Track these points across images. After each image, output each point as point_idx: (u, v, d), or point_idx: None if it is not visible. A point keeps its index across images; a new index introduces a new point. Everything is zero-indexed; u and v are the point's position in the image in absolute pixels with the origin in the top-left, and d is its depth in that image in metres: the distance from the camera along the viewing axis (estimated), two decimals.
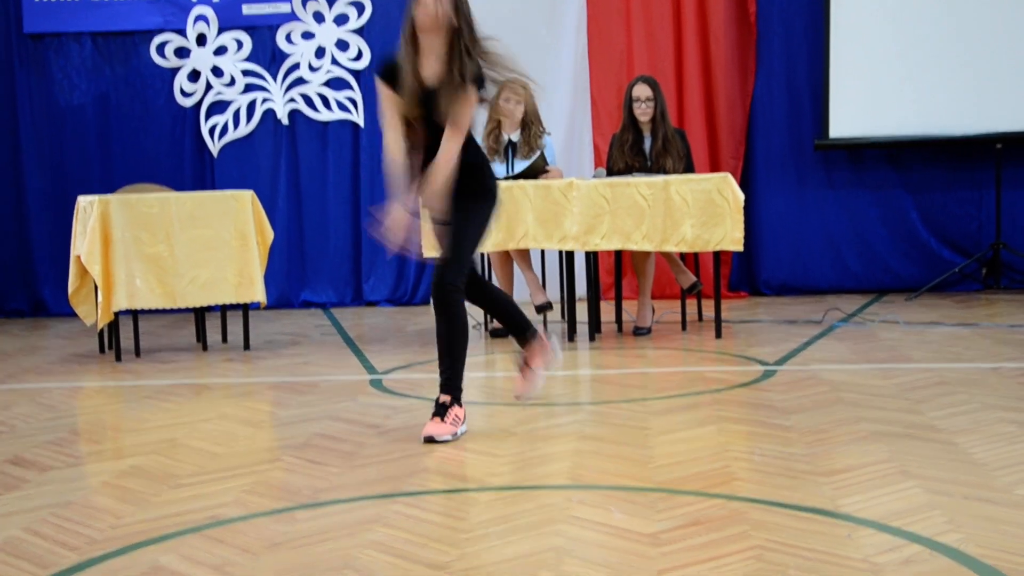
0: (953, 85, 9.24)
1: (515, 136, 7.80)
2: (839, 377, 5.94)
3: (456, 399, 4.90)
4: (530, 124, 7.78)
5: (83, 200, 7.38)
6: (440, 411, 4.86)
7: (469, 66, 4.80)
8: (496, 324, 7.83)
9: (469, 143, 4.99)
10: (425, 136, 4.94)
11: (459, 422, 4.86)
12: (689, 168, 7.79)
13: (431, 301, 4.96)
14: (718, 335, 7.41)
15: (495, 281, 7.99)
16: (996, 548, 3.27)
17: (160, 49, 10.05)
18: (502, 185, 7.19)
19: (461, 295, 4.89)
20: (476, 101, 4.91)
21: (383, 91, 4.95)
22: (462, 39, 4.79)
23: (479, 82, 4.83)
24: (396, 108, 4.94)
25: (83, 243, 7.20)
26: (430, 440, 4.78)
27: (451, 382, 4.90)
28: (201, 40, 10.00)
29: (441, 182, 4.85)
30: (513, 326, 5.23)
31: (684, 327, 7.86)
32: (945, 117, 9.23)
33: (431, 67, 4.83)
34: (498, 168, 7.72)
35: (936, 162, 9.56)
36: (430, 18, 4.75)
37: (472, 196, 4.98)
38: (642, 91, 7.75)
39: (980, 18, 9.21)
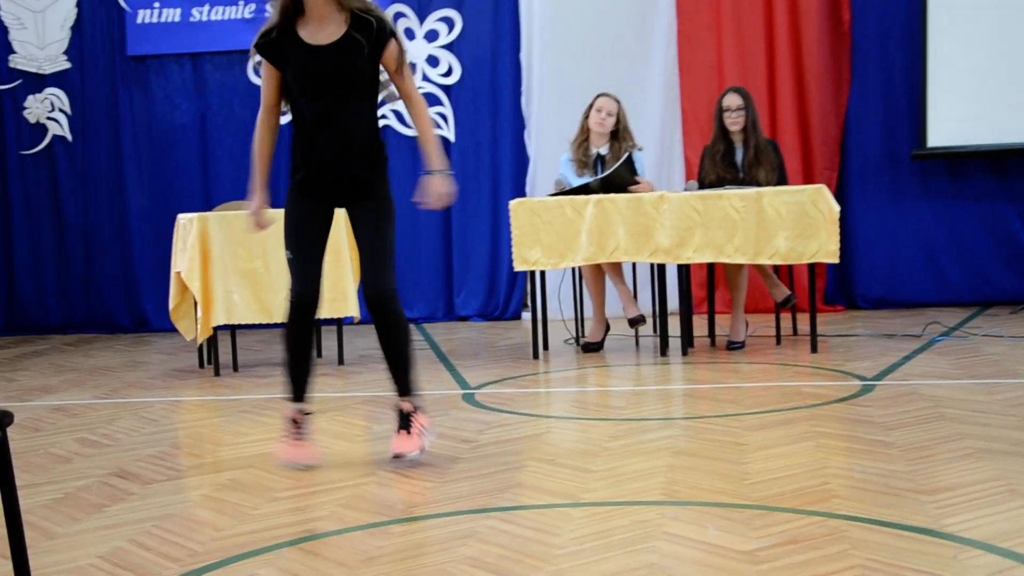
0: None
1: (604, 150, 7.75)
2: (941, 392, 5.81)
3: (418, 405, 4.75)
4: (621, 138, 7.73)
5: (183, 218, 7.48)
6: (405, 423, 4.70)
7: (377, 13, 4.63)
8: (588, 339, 7.79)
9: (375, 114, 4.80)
10: (314, 112, 4.70)
11: (425, 432, 4.71)
12: (782, 180, 7.69)
13: (371, 309, 4.69)
14: (814, 349, 7.30)
15: (586, 294, 7.96)
16: None
17: (257, 68, 10.08)
18: (592, 198, 7.22)
19: (397, 297, 4.72)
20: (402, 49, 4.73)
21: (267, 67, 4.74)
22: None
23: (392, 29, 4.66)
24: (278, 86, 4.78)
25: (183, 260, 7.33)
26: (399, 457, 4.65)
27: (410, 387, 4.74)
28: None
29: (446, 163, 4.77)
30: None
31: (779, 341, 7.77)
32: None
33: (324, 29, 4.62)
34: (580, 179, 7.68)
35: None
36: None
37: (383, 182, 4.82)
38: (733, 101, 7.68)
39: None
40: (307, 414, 4.82)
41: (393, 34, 4.70)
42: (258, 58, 4.80)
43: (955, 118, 9.22)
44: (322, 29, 4.63)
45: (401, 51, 4.76)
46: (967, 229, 9.44)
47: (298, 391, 4.79)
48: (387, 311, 4.68)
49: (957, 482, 4.10)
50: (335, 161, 4.78)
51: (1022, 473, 4.17)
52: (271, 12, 4.73)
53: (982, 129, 9.21)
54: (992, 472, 4.20)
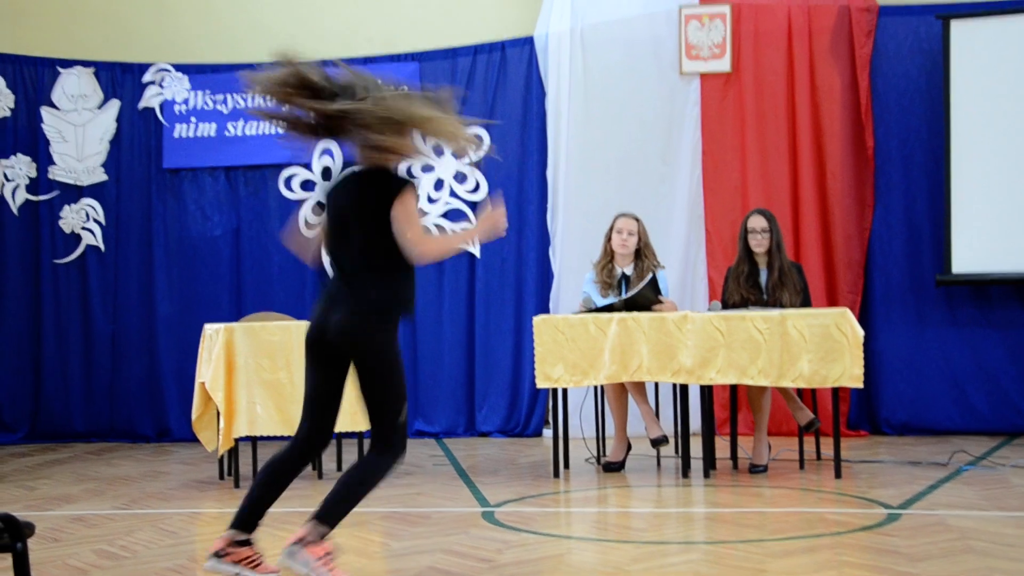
0: None
1: (629, 269, 7.73)
2: (968, 524, 5.70)
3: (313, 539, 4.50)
4: (644, 257, 7.70)
5: (209, 328, 7.50)
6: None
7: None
8: (609, 458, 7.70)
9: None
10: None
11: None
12: (806, 302, 7.65)
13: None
14: (837, 475, 7.19)
15: (608, 413, 7.88)
16: None
17: (287, 182, 10.24)
18: (615, 316, 7.17)
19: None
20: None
21: None
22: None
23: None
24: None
25: (208, 370, 7.33)
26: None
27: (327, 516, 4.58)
28: (326, 174, 10.16)
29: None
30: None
31: (802, 466, 7.67)
32: None
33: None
34: (605, 300, 7.65)
35: None
36: None
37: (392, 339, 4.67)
38: (758, 223, 7.67)
39: None
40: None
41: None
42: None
43: (980, 245, 9.20)
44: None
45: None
46: (993, 357, 9.35)
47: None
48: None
49: None
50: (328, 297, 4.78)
51: None
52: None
53: (1008, 256, 9.17)
54: None
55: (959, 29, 9.24)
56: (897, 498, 6.43)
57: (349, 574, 4.72)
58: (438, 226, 10.03)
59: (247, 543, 4.58)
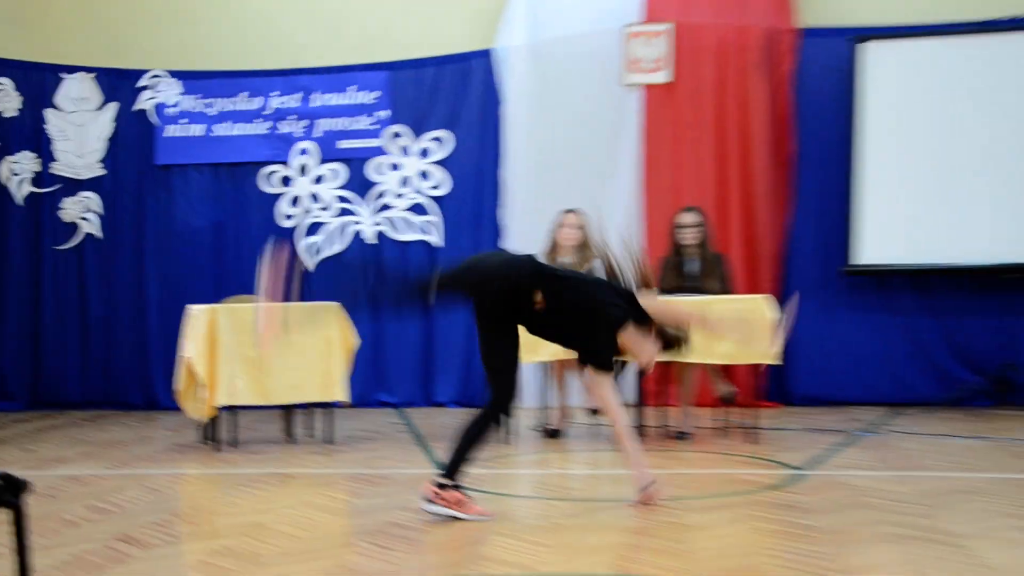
0: (977, 216, 9.18)
1: (571, 260, 7.78)
2: (861, 482, 5.83)
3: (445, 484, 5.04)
4: (585, 249, 7.77)
5: (193, 308, 7.46)
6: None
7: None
8: (552, 425, 7.78)
9: None
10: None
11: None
12: (728, 289, 7.74)
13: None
14: (752, 441, 7.31)
15: (553, 387, 7.95)
16: None
17: (268, 177, 10.25)
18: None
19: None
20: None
21: None
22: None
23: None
24: None
25: (192, 346, 7.28)
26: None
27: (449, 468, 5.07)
28: (303, 170, 10.19)
29: None
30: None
31: (721, 433, 7.76)
32: (969, 247, 9.16)
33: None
34: None
35: (953, 287, 9.45)
36: None
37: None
38: (687, 219, 7.79)
39: (1011, 149, 9.16)
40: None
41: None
42: None
43: (880, 240, 9.31)
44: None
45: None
46: (888, 338, 9.47)
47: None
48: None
49: (872, 564, 4.11)
50: None
51: (930, 558, 4.18)
52: None
53: (904, 250, 9.31)
54: (903, 556, 4.22)
55: (866, 51, 9.36)
56: (801, 460, 6.54)
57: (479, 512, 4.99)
58: (404, 219, 10.09)
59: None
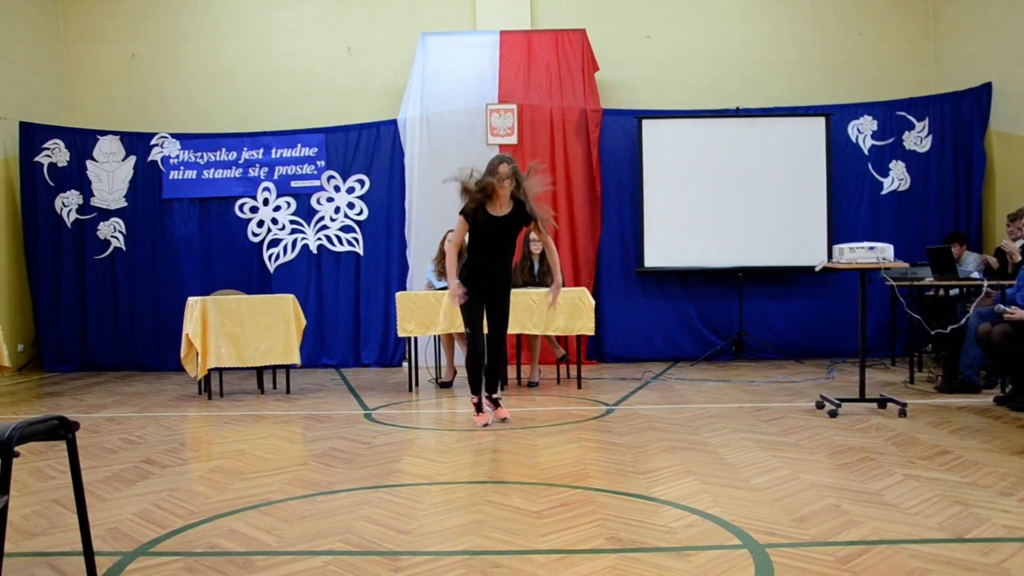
0: (722, 235, 9.33)
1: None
2: (651, 413, 5.93)
3: (498, 398, 5.75)
4: (463, 256, 7.70)
5: (191, 299, 7.26)
6: (496, 404, 5.71)
7: (529, 203, 5.42)
8: (443, 379, 7.74)
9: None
10: (485, 248, 5.45)
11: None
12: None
13: (490, 356, 5.55)
14: (579, 387, 7.37)
15: (443, 354, 7.91)
16: (741, 516, 3.27)
17: (240, 207, 9.96)
18: (445, 293, 7.16)
19: (505, 349, 5.98)
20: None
21: (463, 224, 5.41)
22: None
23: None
24: (465, 233, 5.46)
25: (190, 325, 7.11)
26: (505, 420, 5.62)
27: (495, 389, 5.73)
28: (266, 202, 9.93)
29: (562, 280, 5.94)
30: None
31: (559, 382, 7.81)
32: (717, 255, 9.32)
33: (502, 209, 5.41)
34: (440, 283, 7.67)
35: (706, 282, 9.62)
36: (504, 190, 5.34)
37: (509, 286, 5.66)
38: (532, 235, 7.77)
39: (740, 189, 9.34)
40: (482, 397, 5.62)
41: (535, 215, 5.43)
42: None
43: (660, 250, 9.40)
44: (500, 209, 5.42)
45: (538, 221, 5.48)
46: (666, 316, 9.59)
47: (476, 388, 5.59)
48: (499, 358, 5.61)
49: (658, 466, 4.20)
50: (492, 275, 5.50)
51: (693, 460, 4.29)
52: (466, 198, 5.46)
53: (675, 257, 9.42)
54: (677, 460, 4.32)
55: (646, 126, 9.46)
56: (612, 399, 6.64)
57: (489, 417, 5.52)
58: (337, 236, 9.91)
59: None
